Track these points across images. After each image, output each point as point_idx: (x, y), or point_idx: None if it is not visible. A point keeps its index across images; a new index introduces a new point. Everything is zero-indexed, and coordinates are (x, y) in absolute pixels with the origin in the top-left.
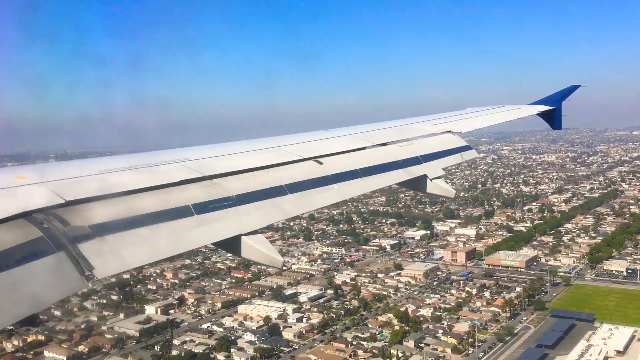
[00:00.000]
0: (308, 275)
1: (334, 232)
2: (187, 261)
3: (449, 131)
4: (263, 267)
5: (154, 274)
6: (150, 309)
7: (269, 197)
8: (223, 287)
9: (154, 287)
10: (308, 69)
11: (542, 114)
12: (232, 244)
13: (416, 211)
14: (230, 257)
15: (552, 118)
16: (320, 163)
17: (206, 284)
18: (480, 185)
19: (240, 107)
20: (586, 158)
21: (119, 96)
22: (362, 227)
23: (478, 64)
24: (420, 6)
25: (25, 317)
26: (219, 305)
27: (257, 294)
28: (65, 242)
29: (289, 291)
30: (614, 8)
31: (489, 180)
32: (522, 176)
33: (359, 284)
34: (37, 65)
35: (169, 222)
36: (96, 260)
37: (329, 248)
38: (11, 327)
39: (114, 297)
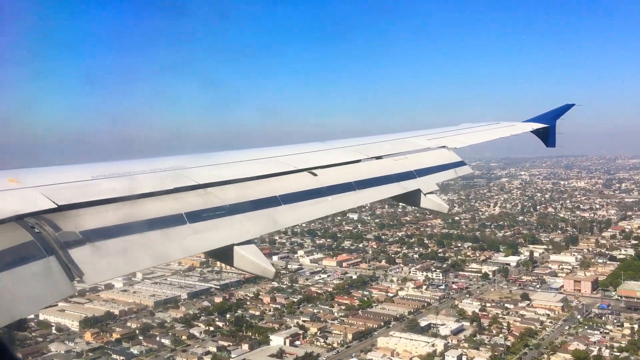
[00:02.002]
0: (425, 304)
1: (415, 256)
2: (275, 283)
3: (444, 146)
4: (366, 292)
5: (248, 297)
6: (276, 340)
7: (262, 208)
8: (336, 314)
9: (257, 313)
10: (305, 91)
11: (536, 132)
12: (224, 254)
13: (490, 235)
14: (322, 280)
15: (547, 136)
16: (315, 175)
17: (316, 310)
18: (532, 209)
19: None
20: (618, 184)
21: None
22: (439, 250)
23: (474, 83)
24: (412, 24)
25: (13, 322)
26: (349, 336)
27: (382, 324)
28: (56, 247)
29: (410, 319)
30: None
31: (536, 204)
32: (567, 201)
33: (493, 315)
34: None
35: (162, 229)
36: (86, 266)
37: (423, 273)
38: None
39: (219, 323)
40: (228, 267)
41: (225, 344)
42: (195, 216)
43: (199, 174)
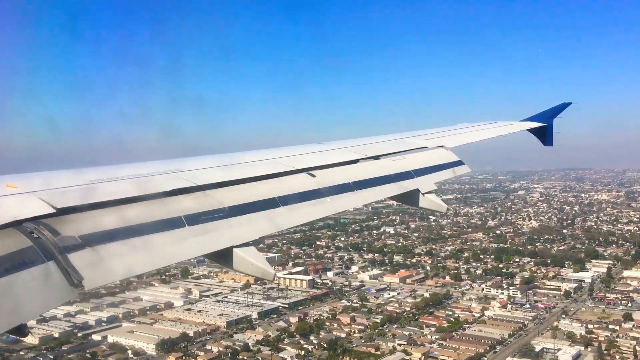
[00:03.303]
0: (521, 325)
1: (477, 272)
2: (344, 301)
3: (442, 146)
4: (449, 312)
5: (323, 317)
6: None
7: (261, 209)
8: (430, 336)
9: (343, 335)
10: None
11: (533, 131)
12: (223, 256)
13: (544, 249)
14: (393, 298)
15: (544, 135)
16: (314, 176)
17: (405, 332)
18: (571, 222)
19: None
20: None
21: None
22: (500, 265)
23: (471, 84)
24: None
25: (14, 327)
26: None
27: (488, 348)
28: (55, 252)
29: (524, 344)
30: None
31: (573, 217)
32: (600, 214)
33: (606, 338)
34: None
35: (161, 233)
36: (86, 271)
37: (497, 290)
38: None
39: (307, 346)
40: (291, 284)
41: None
42: (194, 219)
43: (197, 176)
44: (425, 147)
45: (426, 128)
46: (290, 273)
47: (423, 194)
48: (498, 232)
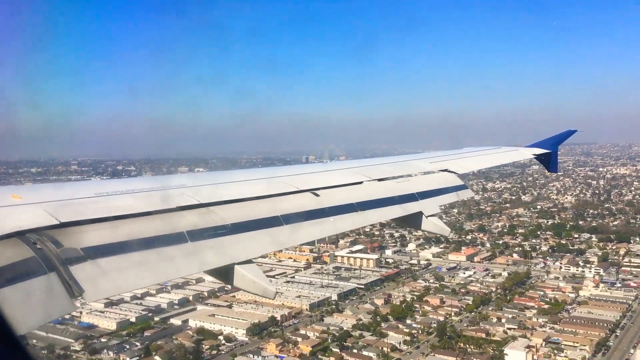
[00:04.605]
0: (626, 306)
1: (541, 248)
2: (421, 281)
3: (446, 170)
4: (539, 292)
5: (407, 298)
6: (513, 355)
7: (264, 227)
8: (535, 319)
9: (441, 318)
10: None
11: (538, 157)
12: (225, 273)
13: (601, 225)
14: (472, 278)
15: (549, 161)
16: (317, 195)
17: (507, 314)
18: (608, 197)
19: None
20: None
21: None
22: (562, 241)
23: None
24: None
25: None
26: (590, 349)
27: (608, 332)
28: (57, 264)
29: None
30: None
31: (609, 191)
32: (631, 188)
33: None
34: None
35: (163, 247)
36: (87, 283)
37: (578, 268)
38: None
39: (406, 330)
40: (356, 263)
41: (449, 358)
42: (197, 235)
43: (202, 193)
44: (430, 170)
45: (428, 149)
46: (352, 252)
47: (426, 217)
48: (539, 207)
